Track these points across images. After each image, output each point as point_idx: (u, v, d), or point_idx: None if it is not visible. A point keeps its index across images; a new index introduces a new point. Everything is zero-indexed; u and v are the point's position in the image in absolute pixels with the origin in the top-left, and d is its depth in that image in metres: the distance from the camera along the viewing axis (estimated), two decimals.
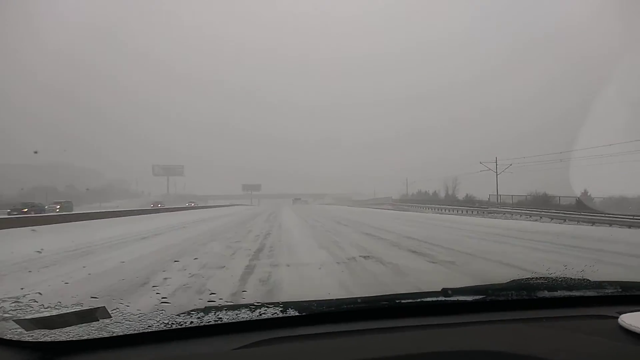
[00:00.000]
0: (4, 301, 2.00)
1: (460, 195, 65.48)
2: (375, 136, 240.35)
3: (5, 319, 1.40)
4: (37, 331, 1.21)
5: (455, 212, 38.78)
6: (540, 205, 30.50)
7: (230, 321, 1.35)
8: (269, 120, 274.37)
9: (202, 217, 29.46)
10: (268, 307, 1.41)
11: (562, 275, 1.82)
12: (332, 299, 1.53)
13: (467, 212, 35.65)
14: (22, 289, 4.86)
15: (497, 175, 43.57)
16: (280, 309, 1.41)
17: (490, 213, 31.47)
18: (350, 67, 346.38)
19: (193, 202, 55.55)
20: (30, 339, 1.19)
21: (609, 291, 1.64)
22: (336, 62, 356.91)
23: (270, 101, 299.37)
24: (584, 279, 1.76)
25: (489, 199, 44.58)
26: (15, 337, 1.19)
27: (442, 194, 72.40)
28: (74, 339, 1.21)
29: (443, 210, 42.47)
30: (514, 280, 1.73)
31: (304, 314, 1.41)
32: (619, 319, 1.24)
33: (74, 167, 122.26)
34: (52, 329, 1.22)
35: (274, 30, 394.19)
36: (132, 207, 46.06)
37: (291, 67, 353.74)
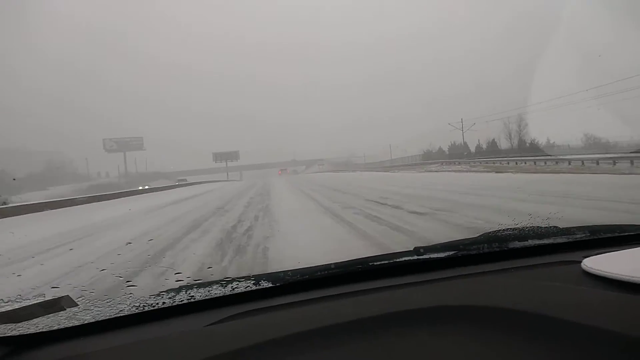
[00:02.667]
0: None
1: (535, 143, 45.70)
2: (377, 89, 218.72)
3: None
4: (2, 326, 1.17)
5: None
6: None
7: (202, 298, 1.35)
8: (244, 72, 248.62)
9: None
10: (240, 281, 1.41)
11: (530, 225, 1.79)
12: (305, 267, 1.49)
13: None
14: None
15: None
16: (253, 281, 1.40)
17: None
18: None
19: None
20: None
21: (578, 236, 1.67)
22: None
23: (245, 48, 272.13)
24: (553, 227, 1.75)
25: None
26: None
27: (504, 144, 51.67)
28: (44, 330, 1.20)
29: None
30: (483, 233, 1.72)
31: (277, 284, 1.40)
32: (581, 263, 1.27)
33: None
34: (18, 322, 1.19)
35: None
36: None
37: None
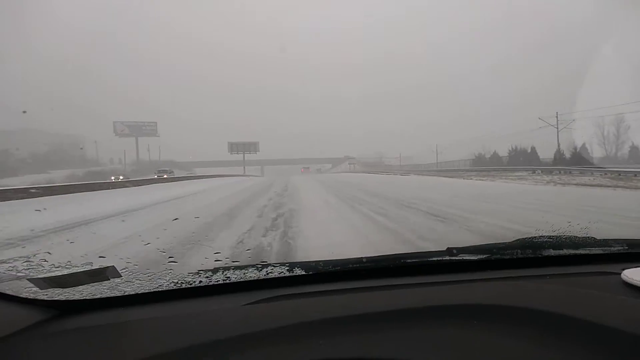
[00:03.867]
0: (16, 260, 1.86)
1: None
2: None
3: (19, 278, 1.39)
4: (51, 290, 1.24)
5: None
6: None
7: (238, 280, 1.38)
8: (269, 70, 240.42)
9: None
10: (275, 266, 1.43)
11: (567, 234, 1.79)
12: (338, 259, 1.51)
13: None
14: None
15: None
16: (287, 268, 1.42)
17: None
18: None
19: None
20: (45, 298, 1.22)
21: (615, 249, 1.63)
22: None
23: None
24: (589, 237, 1.72)
25: None
26: (31, 296, 1.21)
27: (598, 151, 40.05)
28: (87, 297, 1.26)
29: None
30: (519, 238, 1.69)
31: (310, 272, 1.42)
32: (622, 274, 1.26)
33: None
34: (65, 287, 1.25)
35: None
36: None
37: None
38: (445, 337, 0.96)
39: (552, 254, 1.57)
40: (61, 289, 1.24)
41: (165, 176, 41.08)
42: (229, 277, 1.38)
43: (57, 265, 1.60)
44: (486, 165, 49.48)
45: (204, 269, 1.44)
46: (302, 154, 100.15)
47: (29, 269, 1.69)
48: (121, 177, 39.23)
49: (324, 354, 0.91)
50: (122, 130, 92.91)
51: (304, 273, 1.40)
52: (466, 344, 0.93)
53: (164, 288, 1.34)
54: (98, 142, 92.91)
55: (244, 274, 1.40)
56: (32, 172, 59.05)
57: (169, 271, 1.47)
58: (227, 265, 1.49)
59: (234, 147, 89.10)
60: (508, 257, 1.55)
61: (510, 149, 52.53)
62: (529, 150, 49.23)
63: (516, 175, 30.33)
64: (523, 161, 45.25)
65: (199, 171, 78.42)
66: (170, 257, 4.49)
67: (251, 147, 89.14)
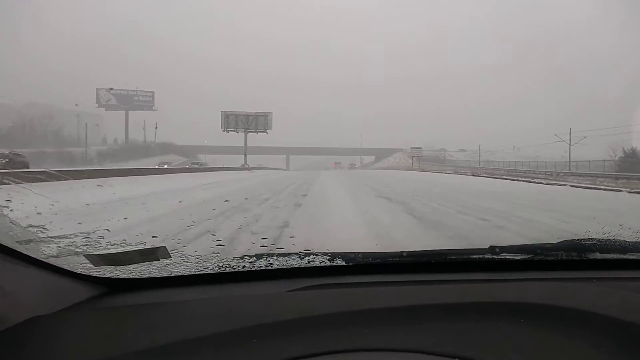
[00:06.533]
0: (76, 236, 1.97)
1: None
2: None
3: (77, 254, 1.46)
4: (103, 267, 1.29)
5: None
6: None
7: (280, 267, 1.42)
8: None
9: None
10: (316, 255, 1.46)
11: (616, 237, 1.74)
12: (378, 252, 1.55)
13: None
14: None
15: None
16: (328, 257, 1.45)
17: None
18: None
19: None
20: (97, 274, 1.28)
21: None
22: None
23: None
24: None
25: None
26: (85, 272, 1.26)
27: None
28: (135, 276, 1.32)
29: None
30: (565, 240, 1.66)
31: (350, 264, 1.44)
32: None
33: None
34: (117, 265, 1.31)
35: None
36: None
37: None
38: (489, 334, 0.95)
39: (599, 258, 1.53)
40: (113, 267, 1.29)
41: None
42: (271, 264, 1.41)
43: (112, 242, 1.68)
44: None
45: (248, 254, 1.46)
46: (337, 143, 79.70)
47: (86, 245, 1.79)
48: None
49: (371, 342, 0.92)
50: (108, 100, 71.50)
51: (344, 264, 1.41)
52: (513, 341, 0.91)
53: (209, 271, 1.38)
54: (79, 115, 72.52)
55: (287, 261, 1.43)
56: None
57: (216, 254, 1.54)
58: (271, 251, 1.51)
59: (230, 121, 52.38)
60: (552, 258, 1.52)
61: None
62: None
63: None
64: None
65: (204, 158, 59.03)
66: (217, 240, 4.67)
67: (258, 121, 53.59)
